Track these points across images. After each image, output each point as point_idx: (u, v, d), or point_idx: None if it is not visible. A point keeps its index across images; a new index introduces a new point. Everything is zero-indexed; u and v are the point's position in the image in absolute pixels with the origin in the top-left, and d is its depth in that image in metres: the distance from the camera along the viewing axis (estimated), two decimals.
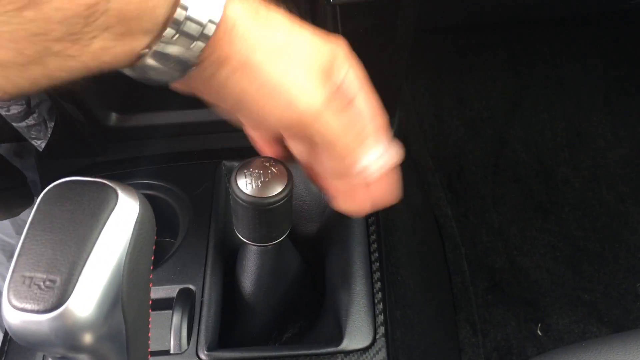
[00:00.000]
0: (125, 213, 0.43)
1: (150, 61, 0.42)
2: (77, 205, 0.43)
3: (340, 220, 0.84)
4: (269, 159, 0.63)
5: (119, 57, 0.41)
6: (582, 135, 1.66)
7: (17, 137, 0.94)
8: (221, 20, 0.43)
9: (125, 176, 0.92)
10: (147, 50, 0.41)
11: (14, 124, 0.89)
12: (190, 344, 0.73)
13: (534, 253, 1.48)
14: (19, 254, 0.41)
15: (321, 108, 0.49)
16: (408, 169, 1.38)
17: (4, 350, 0.74)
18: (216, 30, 0.43)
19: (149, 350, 0.51)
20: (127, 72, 0.45)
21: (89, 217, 0.42)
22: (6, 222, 1.17)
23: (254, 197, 0.60)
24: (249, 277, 0.74)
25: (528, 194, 1.57)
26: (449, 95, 1.73)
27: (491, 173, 1.61)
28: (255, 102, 0.48)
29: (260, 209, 0.60)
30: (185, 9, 0.41)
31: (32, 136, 0.92)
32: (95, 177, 0.45)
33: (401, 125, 1.32)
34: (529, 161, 1.62)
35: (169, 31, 0.41)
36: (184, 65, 0.44)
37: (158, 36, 0.41)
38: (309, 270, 0.83)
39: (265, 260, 0.72)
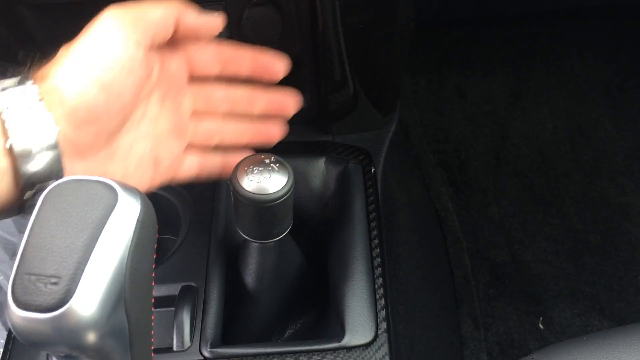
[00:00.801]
0: (126, 211, 0.43)
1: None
2: (78, 204, 0.43)
3: (341, 216, 0.84)
4: (270, 155, 0.63)
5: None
6: (583, 128, 1.66)
7: None
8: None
9: None
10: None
11: None
12: (193, 341, 0.73)
13: (535, 246, 1.48)
14: (22, 254, 0.41)
15: None
16: (409, 163, 1.38)
17: (8, 349, 0.75)
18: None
19: (152, 347, 0.51)
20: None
21: (91, 216, 0.42)
22: (8, 221, 1.17)
23: (255, 194, 0.60)
24: (251, 274, 0.74)
25: (529, 188, 1.57)
26: (450, 90, 1.72)
27: (492, 167, 1.60)
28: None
29: (261, 206, 0.60)
30: None
31: None
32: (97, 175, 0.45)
33: (402, 120, 1.32)
34: (530, 154, 1.62)
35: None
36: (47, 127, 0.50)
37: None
38: (311, 266, 0.83)
39: (267, 257, 0.72)
